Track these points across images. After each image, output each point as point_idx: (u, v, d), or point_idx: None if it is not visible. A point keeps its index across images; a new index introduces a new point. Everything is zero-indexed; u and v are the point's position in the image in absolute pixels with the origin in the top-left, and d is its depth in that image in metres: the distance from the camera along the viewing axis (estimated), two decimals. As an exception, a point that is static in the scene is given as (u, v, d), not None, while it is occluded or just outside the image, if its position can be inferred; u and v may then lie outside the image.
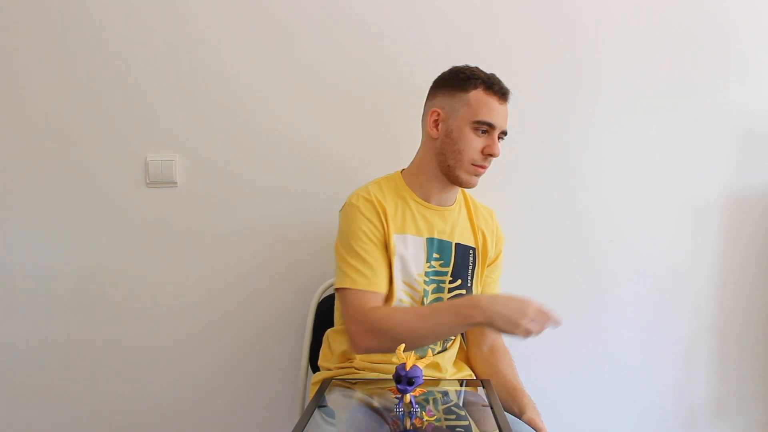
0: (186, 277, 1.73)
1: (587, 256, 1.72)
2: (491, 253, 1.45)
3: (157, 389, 1.75)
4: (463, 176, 1.36)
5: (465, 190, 1.48)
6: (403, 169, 1.45)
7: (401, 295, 1.36)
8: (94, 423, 1.75)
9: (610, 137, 1.71)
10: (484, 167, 1.36)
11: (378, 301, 1.31)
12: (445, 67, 1.67)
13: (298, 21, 1.70)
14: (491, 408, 1.14)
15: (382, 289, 1.32)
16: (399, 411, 1.10)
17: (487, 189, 1.67)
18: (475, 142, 1.34)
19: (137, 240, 1.73)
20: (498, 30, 1.70)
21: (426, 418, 1.09)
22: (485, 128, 1.34)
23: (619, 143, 1.71)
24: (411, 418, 1.07)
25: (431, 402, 1.20)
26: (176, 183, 1.72)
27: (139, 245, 1.73)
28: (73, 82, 1.72)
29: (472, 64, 1.40)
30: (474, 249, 1.43)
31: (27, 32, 1.71)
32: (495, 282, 1.49)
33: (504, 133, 1.38)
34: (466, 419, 1.12)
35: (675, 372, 1.73)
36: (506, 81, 1.69)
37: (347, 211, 1.37)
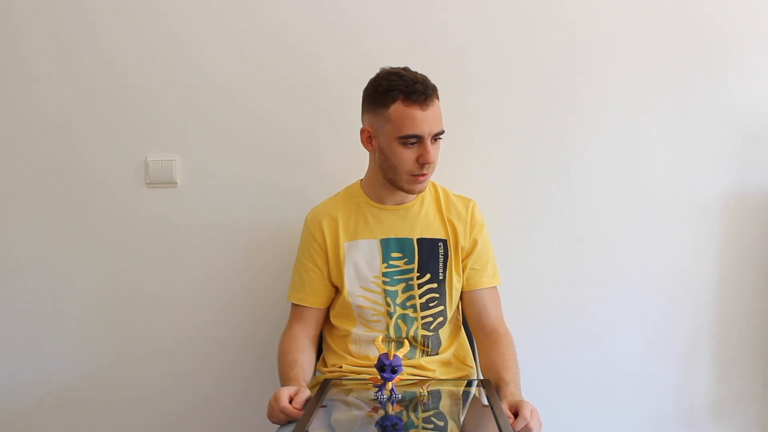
0: (186, 276, 1.73)
1: (587, 257, 1.71)
2: (464, 242, 1.42)
3: (156, 390, 1.75)
4: (406, 186, 1.37)
5: (437, 184, 1.49)
6: (362, 179, 1.48)
7: (359, 301, 1.39)
8: (93, 418, 1.76)
9: (610, 138, 1.70)
10: (424, 175, 1.34)
11: (306, 314, 1.44)
12: (443, 67, 1.67)
13: (297, 21, 1.69)
14: (491, 408, 1.14)
15: (312, 304, 1.43)
16: (382, 397, 1.18)
17: (486, 189, 1.67)
18: (407, 155, 1.32)
19: (137, 240, 1.73)
20: (497, 30, 1.69)
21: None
22: (413, 140, 1.31)
23: (619, 144, 1.70)
24: (393, 404, 1.17)
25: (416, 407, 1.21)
26: (176, 183, 1.72)
27: (139, 245, 1.73)
28: (74, 82, 1.72)
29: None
30: (444, 241, 1.42)
31: (27, 32, 1.71)
32: (480, 273, 1.43)
33: (439, 133, 1.33)
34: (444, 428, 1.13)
35: (675, 372, 1.73)
36: (505, 81, 1.70)
37: (303, 228, 1.47)
